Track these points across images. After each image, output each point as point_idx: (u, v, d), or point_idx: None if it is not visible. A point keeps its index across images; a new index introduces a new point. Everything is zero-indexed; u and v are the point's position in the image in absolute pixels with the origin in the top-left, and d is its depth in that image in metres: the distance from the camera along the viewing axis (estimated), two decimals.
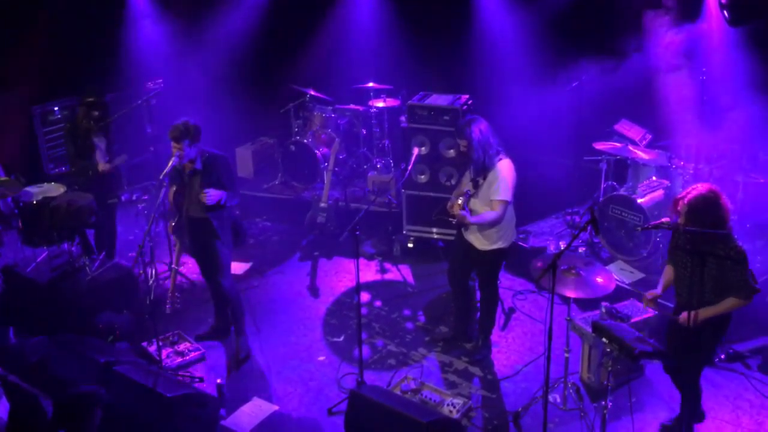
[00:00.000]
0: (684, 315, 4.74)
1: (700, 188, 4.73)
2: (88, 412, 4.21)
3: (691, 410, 5.18)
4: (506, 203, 5.71)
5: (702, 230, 4.61)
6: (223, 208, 5.95)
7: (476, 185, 5.77)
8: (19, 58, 8.53)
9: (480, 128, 5.69)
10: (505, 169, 5.70)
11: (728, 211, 4.71)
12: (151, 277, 6.71)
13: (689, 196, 4.70)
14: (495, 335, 6.41)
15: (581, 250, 7.44)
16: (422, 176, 7.70)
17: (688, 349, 4.85)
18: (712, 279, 4.70)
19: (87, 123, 7.02)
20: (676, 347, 4.96)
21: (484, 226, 5.79)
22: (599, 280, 5.36)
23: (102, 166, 7.03)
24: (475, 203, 5.77)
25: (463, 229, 5.97)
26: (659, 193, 7.18)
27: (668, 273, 5.08)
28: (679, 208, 4.76)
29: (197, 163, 5.89)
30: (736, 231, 4.92)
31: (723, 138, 7.05)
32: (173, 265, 7.08)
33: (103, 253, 7.10)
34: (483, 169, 5.71)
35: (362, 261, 7.68)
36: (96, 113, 7.02)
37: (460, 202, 5.76)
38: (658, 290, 5.06)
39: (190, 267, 7.47)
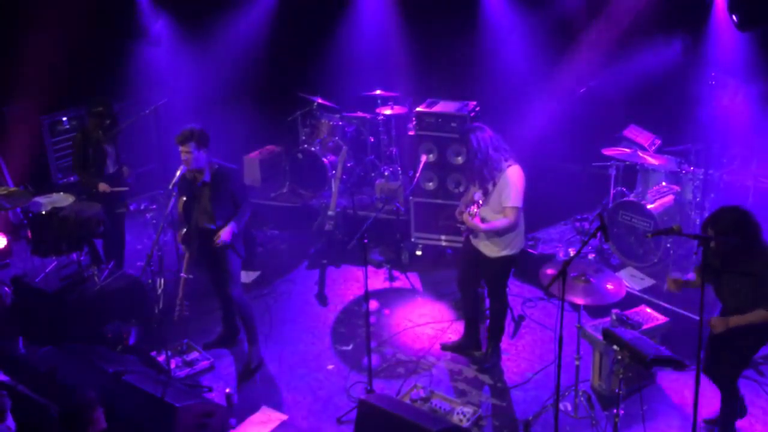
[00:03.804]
0: (713, 320, 4.80)
1: (726, 208, 4.74)
2: (86, 419, 4.22)
3: (731, 410, 5.13)
4: (518, 209, 5.67)
5: (733, 241, 4.63)
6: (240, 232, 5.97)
7: (486, 192, 5.74)
8: (28, 68, 8.57)
9: (480, 137, 5.63)
10: (514, 175, 5.66)
11: (759, 227, 4.69)
12: (160, 286, 6.71)
13: (716, 216, 4.70)
14: (505, 343, 6.37)
15: (591, 256, 7.40)
16: (430, 183, 7.68)
17: (725, 348, 4.89)
18: (748, 294, 4.72)
19: (98, 133, 7.05)
20: (716, 347, 4.98)
21: (493, 233, 5.75)
22: (609, 286, 5.33)
23: (102, 186, 7.04)
24: (485, 210, 5.72)
25: (471, 236, 5.94)
26: (669, 198, 7.14)
27: (697, 279, 5.05)
28: (708, 231, 4.71)
29: (206, 175, 5.90)
30: None
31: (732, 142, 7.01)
32: (182, 273, 7.07)
33: (112, 262, 7.11)
34: (483, 179, 5.68)
35: (370, 269, 7.64)
36: (106, 123, 7.05)
37: (471, 210, 5.72)
38: (688, 276, 5.12)
39: (198, 276, 7.45)
